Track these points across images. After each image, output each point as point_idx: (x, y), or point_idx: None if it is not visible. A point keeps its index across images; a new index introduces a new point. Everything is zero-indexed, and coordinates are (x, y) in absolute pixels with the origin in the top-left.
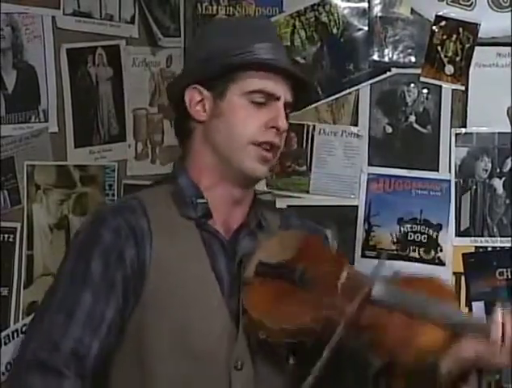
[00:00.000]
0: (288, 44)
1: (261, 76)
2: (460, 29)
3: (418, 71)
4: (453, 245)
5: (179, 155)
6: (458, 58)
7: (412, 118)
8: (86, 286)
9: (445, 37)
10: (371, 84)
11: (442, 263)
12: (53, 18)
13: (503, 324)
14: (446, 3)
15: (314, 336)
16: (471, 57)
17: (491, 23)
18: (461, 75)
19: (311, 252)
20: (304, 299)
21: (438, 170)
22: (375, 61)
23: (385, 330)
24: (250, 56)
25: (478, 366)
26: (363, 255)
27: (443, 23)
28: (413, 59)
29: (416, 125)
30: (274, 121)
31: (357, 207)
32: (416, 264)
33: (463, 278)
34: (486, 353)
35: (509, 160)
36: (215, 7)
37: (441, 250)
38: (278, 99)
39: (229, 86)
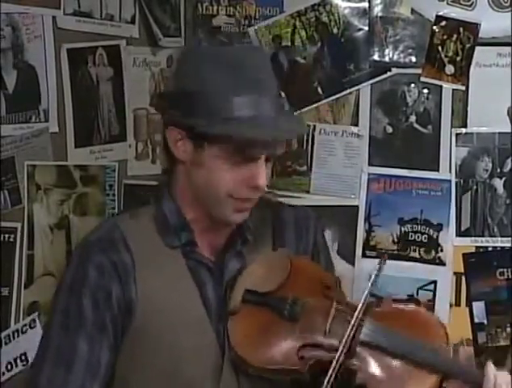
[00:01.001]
0: (289, 44)
1: (239, 141)
2: (461, 29)
3: (419, 71)
4: (453, 245)
5: (164, 169)
6: (458, 58)
7: (412, 118)
8: (80, 333)
9: (445, 37)
10: (371, 84)
11: (442, 263)
12: (54, 18)
13: (495, 376)
14: (447, 3)
15: (301, 375)
16: (471, 57)
17: (491, 22)
18: (461, 75)
19: (301, 278)
20: (291, 335)
21: (438, 170)
22: (375, 60)
23: (375, 374)
24: (227, 124)
25: None
26: (364, 255)
27: (444, 23)
28: (413, 59)
29: (416, 125)
30: (254, 180)
31: (357, 207)
32: (416, 264)
33: (463, 278)
34: None
35: (509, 160)
36: (215, 7)
37: (441, 250)
38: (258, 158)
39: (207, 144)
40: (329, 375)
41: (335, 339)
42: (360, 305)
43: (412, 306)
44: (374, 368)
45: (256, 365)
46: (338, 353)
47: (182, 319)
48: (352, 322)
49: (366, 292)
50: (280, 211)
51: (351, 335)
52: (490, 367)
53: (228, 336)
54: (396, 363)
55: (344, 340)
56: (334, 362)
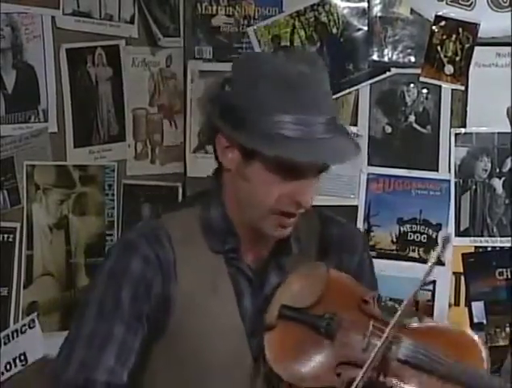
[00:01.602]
0: (288, 44)
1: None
2: (460, 29)
3: (418, 71)
4: (453, 245)
5: (214, 171)
6: (457, 58)
7: (411, 118)
8: (116, 318)
9: (445, 37)
10: (370, 84)
11: (441, 263)
12: (53, 18)
13: None
14: (446, 3)
15: None
16: (470, 57)
17: (491, 22)
18: (461, 75)
19: (337, 293)
20: (327, 352)
21: (437, 170)
22: (374, 60)
23: None
24: (276, 141)
25: None
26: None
27: (443, 23)
28: (412, 59)
29: (415, 125)
30: (300, 196)
31: (357, 207)
32: (415, 264)
33: (462, 278)
34: None
35: (508, 160)
36: (214, 7)
37: None
38: (307, 177)
39: (256, 156)
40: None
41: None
42: (393, 320)
43: (453, 327)
44: (410, 385)
45: (291, 382)
46: (365, 367)
47: (218, 325)
48: (384, 336)
49: (400, 307)
50: (328, 225)
51: (381, 350)
52: None
53: (263, 351)
54: (433, 382)
55: (373, 355)
56: (360, 376)
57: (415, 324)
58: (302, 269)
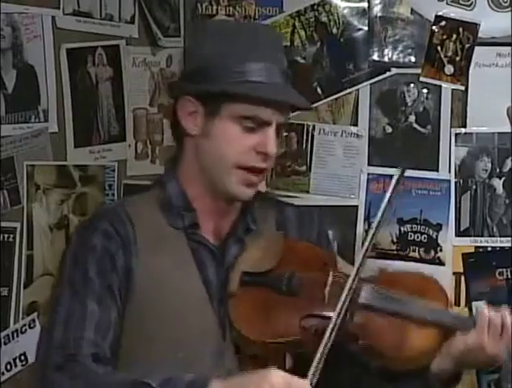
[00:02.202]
0: (288, 44)
1: (254, 102)
2: (460, 29)
3: (418, 71)
4: (453, 245)
5: (171, 156)
6: (458, 58)
7: (412, 118)
8: (88, 294)
9: (445, 37)
10: (370, 84)
11: (442, 263)
12: (53, 18)
13: (489, 318)
14: (446, 3)
15: (305, 347)
16: (471, 57)
17: (491, 23)
18: (461, 75)
19: (296, 256)
20: (291, 308)
21: (437, 170)
22: (374, 60)
23: (376, 335)
24: (243, 84)
25: (470, 362)
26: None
27: (443, 23)
28: (412, 59)
29: (416, 125)
30: (263, 147)
31: (357, 207)
32: (416, 264)
33: (463, 278)
34: (476, 347)
35: (508, 160)
36: (215, 7)
37: (441, 250)
38: (269, 124)
39: (221, 106)
40: (325, 339)
41: (335, 307)
42: (356, 266)
43: (408, 271)
44: (376, 329)
45: (258, 341)
46: (335, 316)
47: (183, 299)
48: (348, 283)
49: (362, 252)
50: (283, 208)
51: (348, 298)
52: (483, 306)
53: (229, 317)
54: (398, 322)
55: (340, 303)
56: (331, 325)
57: (376, 274)
58: (260, 239)
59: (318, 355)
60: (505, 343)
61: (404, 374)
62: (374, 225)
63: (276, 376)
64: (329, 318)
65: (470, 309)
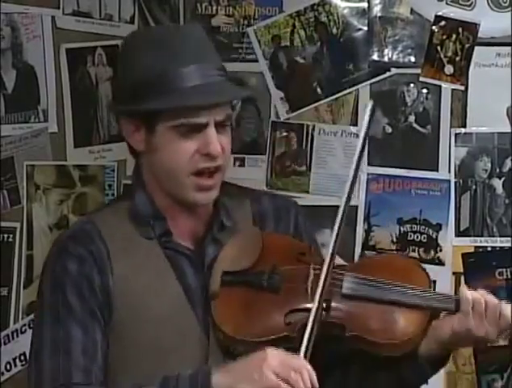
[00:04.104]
0: (288, 44)
1: (185, 109)
2: (460, 29)
3: (418, 71)
4: (453, 245)
5: (134, 168)
6: (457, 58)
7: (411, 118)
8: (71, 321)
9: (445, 37)
10: (370, 84)
11: (441, 263)
12: (53, 18)
13: (473, 300)
14: (446, 3)
15: (293, 342)
16: (470, 57)
17: (491, 22)
18: (461, 75)
19: (275, 250)
20: (274, 305)
21: (437, 170)
22: (374, 60)
23: (362, 325)
24: (171, 95)
25: (458, 344)
26: (363, 255)
27: (443, 23)
28: (412, 59)
29: (415, 125)
30: (205, 148)
31: (357, 207)
32: None
33: (462, 278)
34: (463, 331)
35: (508, 160)
36: (214, 7)
37: (440, 250)
38: (206, 125)
39: (156, 120)
40: (308, 330)
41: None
42: (330, 250)
43: (389, 254)
44: (362, 318)
45: (245, 340)
46: (315, 306)
47: (164, 310)
48: (323, 272)
49: (334, 231)
50: (259, 198)
51: (325, 287)
52: (464, 289)
53: (212, 319)
54: (383, 308)
55: (318, 293)
56: (312, 316)
57: (356, 261)
58: (237, 236)
59: (303, 348)
60: (491, 322)
61: (394, 360)
62: (349, 178)
63: (272, 355)
64: None
65: None
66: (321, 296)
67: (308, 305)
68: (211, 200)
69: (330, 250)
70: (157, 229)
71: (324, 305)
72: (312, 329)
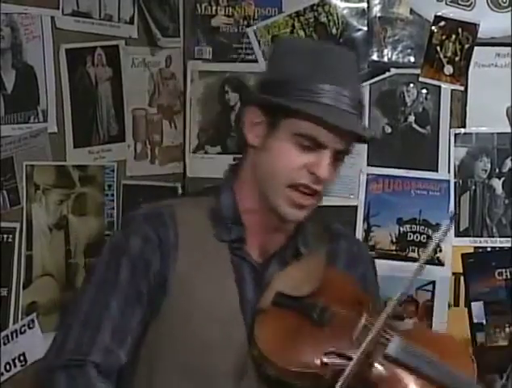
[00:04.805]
0: None
1: (314, 122)
2: (459, 29)
3: (417, 71)
4: (452, 245)
5: (233, 163)
6: (457, 58)
7: (411, 118)
8: (114, 294)
9: (444, 37)
10: (370, 84)
11: (441, 264)
12: (52, 18)
13: None
14: (446, 3)
15: (322, 382)
16: (470, 57)
17: (490, 23)
18: (460, 75)
19: (333, 288)
20: (316, 339)
21: (437, 171)
22: (374, 61)
23: None
24: (307, 103)
25: None
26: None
27: (442, 24)
28: (412, 59)
29: (415, 125)
30: (316, 168)
31: (356, 207)
32: (415, 264)
33: (462, 278)
34: None
35: (508, 160)
36: (214, 7)
37: (440, 251)
38: (326, 147)
39: (282, 120)
40: (340, 382)
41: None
42: (383, 314)
43: (447, 334)
44: (396, 384)
45: (277, 365)
46: (354, 359)
47: (215, 312)
48: (373, 330)
49: (393, 301)
50: (336, 239)
51: (371, 344)
52: None
53: (253, 334)
54: (419, 381)
55: (362, 348)
56: (349, 368)
57: (408, 327)
58: (302, 260)
59: None
60: None
61: None
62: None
63: None
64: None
65: (469, 310)
66: (365, 347)
67: (349, 353)
68: (298, 221)
69: (388, 309)
70: (232, 234)
71: (363, 357)
72: (347, 377)
